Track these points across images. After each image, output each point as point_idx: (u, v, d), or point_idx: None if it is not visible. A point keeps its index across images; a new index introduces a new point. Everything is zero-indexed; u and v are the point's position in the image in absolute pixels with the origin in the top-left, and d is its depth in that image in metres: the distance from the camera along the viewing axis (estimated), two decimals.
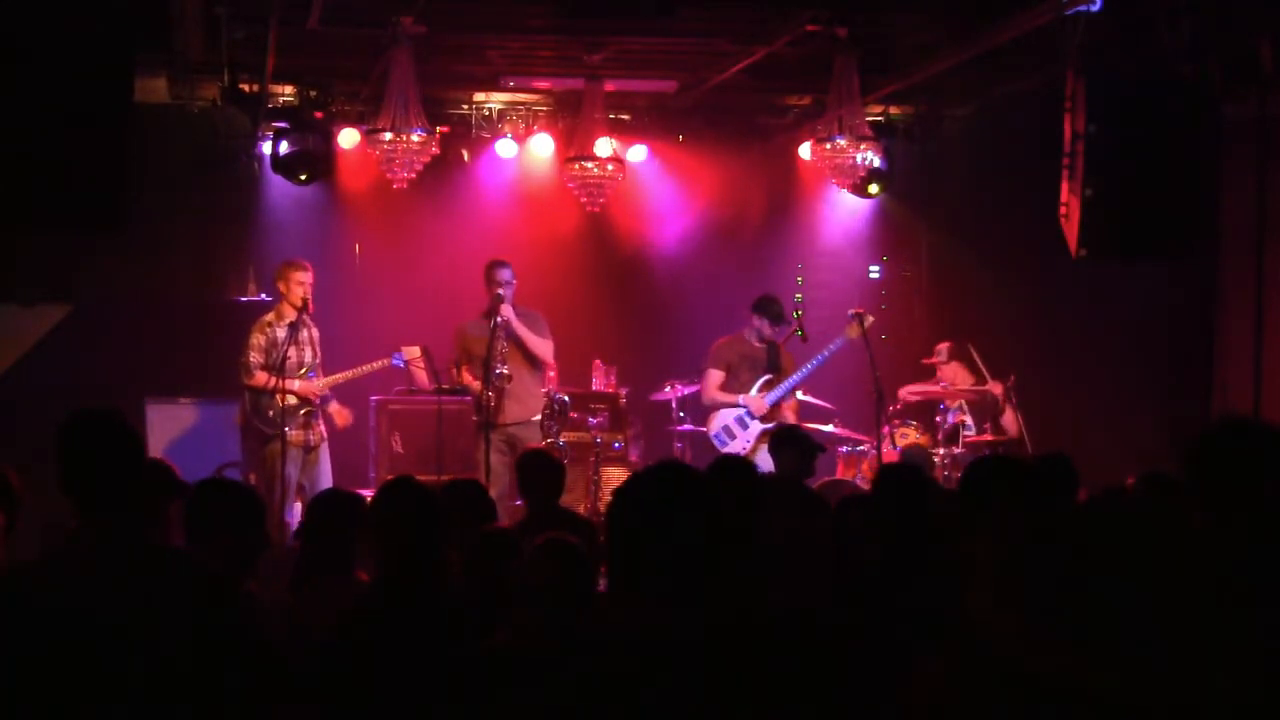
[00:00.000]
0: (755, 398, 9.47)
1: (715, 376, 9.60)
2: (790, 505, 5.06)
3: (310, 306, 8.97)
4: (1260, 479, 3.35)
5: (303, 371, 9.00)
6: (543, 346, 9.34)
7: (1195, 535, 2.51)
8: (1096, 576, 2.02)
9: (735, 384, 9.54)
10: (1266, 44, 8.05)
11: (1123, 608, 2.02)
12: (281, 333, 8.93)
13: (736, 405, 9.53)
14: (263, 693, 3.05)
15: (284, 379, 8.78)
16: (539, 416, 9.38)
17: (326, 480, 9.06)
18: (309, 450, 9.07)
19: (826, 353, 9.43)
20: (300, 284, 8.97)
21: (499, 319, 9.10)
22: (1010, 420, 9.87)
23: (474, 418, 9.23)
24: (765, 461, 7.80)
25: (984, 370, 9.92)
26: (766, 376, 9.51)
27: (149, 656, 2.86)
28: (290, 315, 8.98)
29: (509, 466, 8.76)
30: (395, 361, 9.34)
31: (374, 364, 9.34)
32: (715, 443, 9.49)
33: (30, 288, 9.84)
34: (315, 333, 9.18)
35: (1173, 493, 4.16)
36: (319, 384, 9.06)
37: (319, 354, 9.17)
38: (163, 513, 4.39)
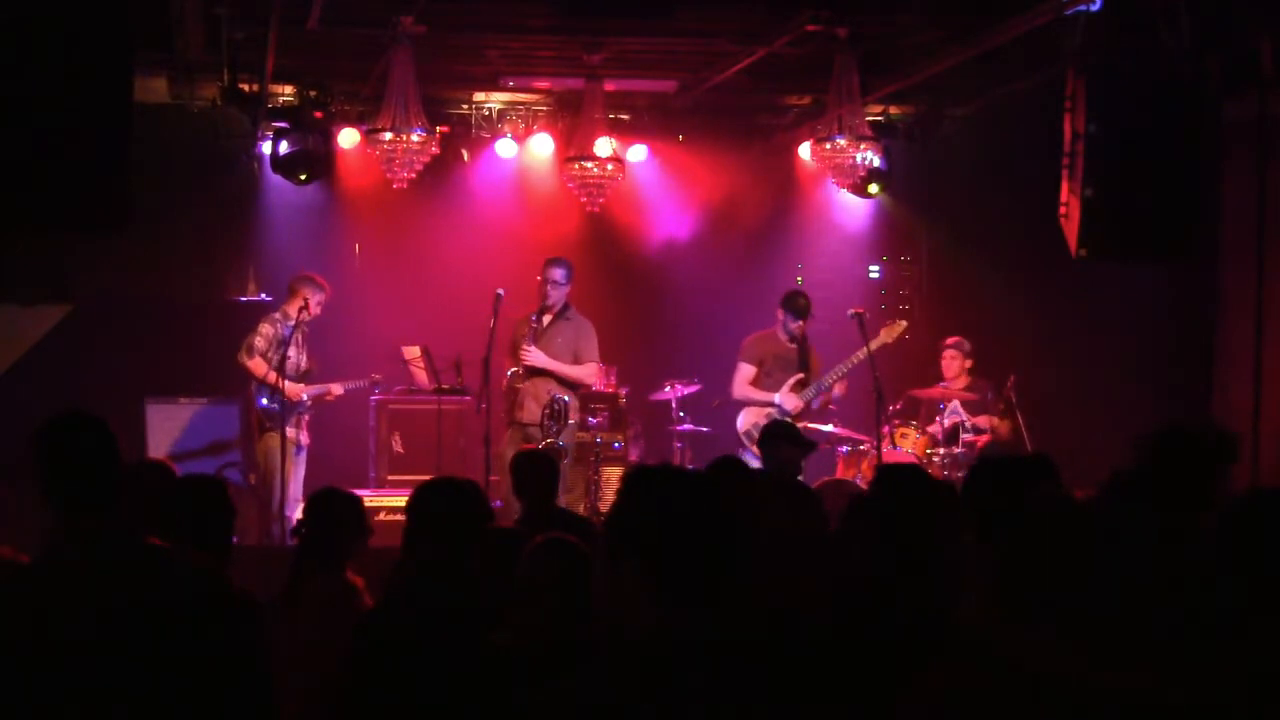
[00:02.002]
0: (790, 396, 9.33)
1: (746, 371, 9.48)
2: (782, 502, 5.06)
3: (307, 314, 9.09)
4: (1208, 480, 3.39)
5: (301, 373, 9.09)
6: (578, 373, 9.13)
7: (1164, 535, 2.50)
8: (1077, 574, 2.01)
9: (769, 382, 9.43)
10: (1266, 44, 8.05)
11: (1114, 605, 2.01)
12: (286, 332, 9.07)
13: (770, 404, 9.37)
14: (257, 693, 3.04)
15: (283, 377, 8.90)
16: (571, 421, 9.26)
17: (299, 482, 9.09)
18: (300, 450, 9.14)
19: (862, 354, 9.27)
20: (319, 304, 9.14)
21: (524, 349, 9.03)
22: (999, 425, 9.83)
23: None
24: None
25: (991, 403, 9.86)
26: (798, 376, 9.42)
27: (142, 657, 2.86)
28: (294, 318, 9.12)
29: None
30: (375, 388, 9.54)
31: (357, 382, 9.42)
32: (745, 439, 9.32)
33: (30, 288, 9.84)
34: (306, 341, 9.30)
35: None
36: (303, 388, 9.09)
37: (314, 362, 9.27)
38: (160, 512, 4.38)
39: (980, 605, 2.07)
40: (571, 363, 9.13)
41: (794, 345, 9.50)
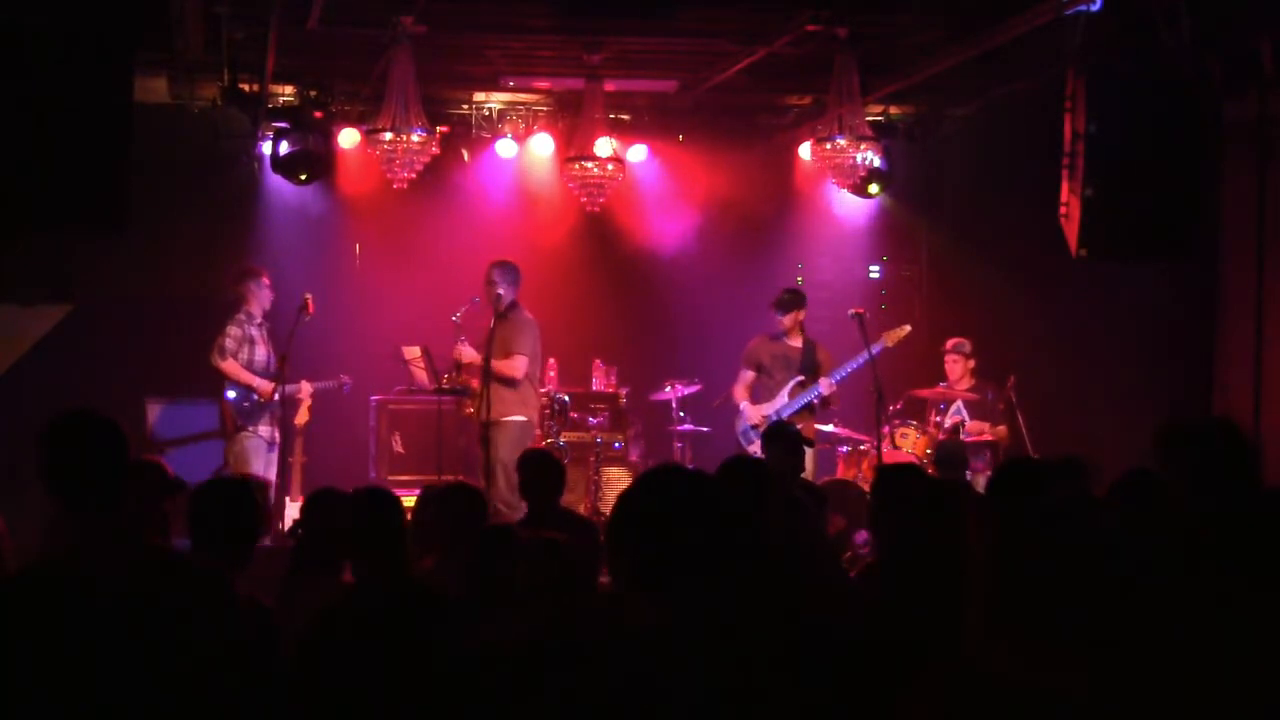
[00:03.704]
0: (751, 408, 9.48)
1: (743, 376, 9.67)
2: (783, 504, 5.05)
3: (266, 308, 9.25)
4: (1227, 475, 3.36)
5: (270, 372, 9.14)
6: (499, 366, 9.01)
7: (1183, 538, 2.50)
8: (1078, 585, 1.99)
9: (770, 383, 9.51)
10: (1266, 44, 8.04)
11: (1108, 613, 1.99)
12: (254, 331, 9.17)
13: (739, 410, 9.56)
14: (258, 694, 3.04)
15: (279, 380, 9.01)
16: (519, 417, 9.05)
17: (273, 481, 9.14)
18: (271, 448, 9.14)
19: (857, 362, 9.29)
20: (269, 289, 9.22)
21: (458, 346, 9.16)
22: (994, 430, 9.84)
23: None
24: None
25: (992, 404, 9.87)
26: (798, 378, 9.44)
27: (144, 658, 2.86)
28: (258, 316, 9.22)
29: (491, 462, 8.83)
30: (344, 388, 9.60)
31: (326, 383, 9.52)
32: (741, 440, 9.49)
33: (30, 288, 9.83)
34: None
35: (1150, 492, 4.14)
36: (274, 386, 9.10)
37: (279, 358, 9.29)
38: (157, 511, 4.39)
39: (975, 612, 2.06)
40: (503, 358, 9.06)
41: (797, 345, 9.52)
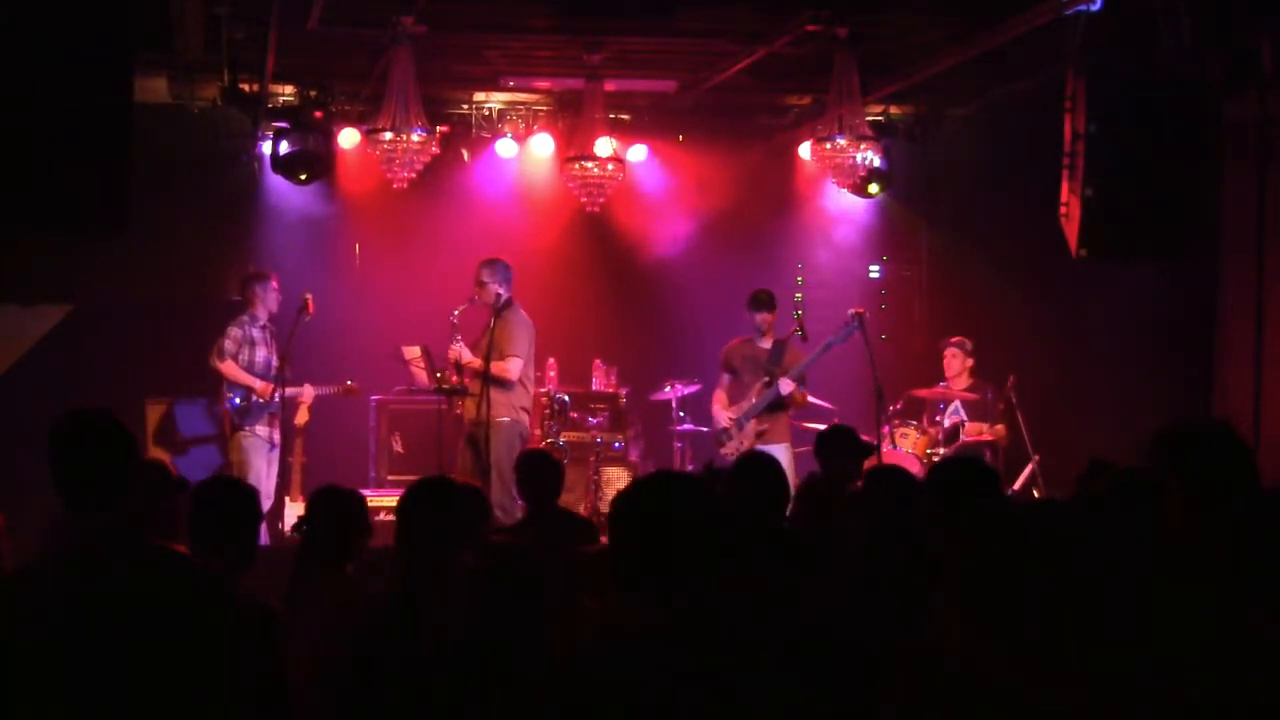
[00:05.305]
0: (720, 412, 9.40)
1: (721, 380, 9.59)
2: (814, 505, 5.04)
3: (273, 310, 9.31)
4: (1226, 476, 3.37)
5: (271, 374, 9.16)
6: (495, 368, 8.83)
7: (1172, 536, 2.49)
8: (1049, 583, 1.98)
9: (739, 386, 9.45)
10: (1266, 44, 8.04)
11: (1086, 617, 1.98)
12: (256, 333, 9.21)
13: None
14: (262, 695, 3.04)
15: (254, 377, 9.12)
16: (504, 419, 8.86)
17: (272, 481, 9.19)
18: (272, 448, 9.18)
19: (813, 358, 9.26)
20: (276, 292, 9.27)
21: (452, 347, 9.01)
22: (991, 430, 9.84)
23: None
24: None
25: (992, 404, 9.87)
26: (764, 379, 9.42)
27: (144, 658, 2.86)
28: (263, 319, 9.26)
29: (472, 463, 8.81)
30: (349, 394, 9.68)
31: (330, 388, 9.56)
32: (716, 441, 9.44)
33: (30, 288, 9.84)
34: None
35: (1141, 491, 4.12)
36: (274, 388, 9.14)
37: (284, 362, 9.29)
38: (159, 510, 4.39)
39: (948, 611, 2.05)
40: (497, 359, 8.88)
41: (765, 347, 9.41)
